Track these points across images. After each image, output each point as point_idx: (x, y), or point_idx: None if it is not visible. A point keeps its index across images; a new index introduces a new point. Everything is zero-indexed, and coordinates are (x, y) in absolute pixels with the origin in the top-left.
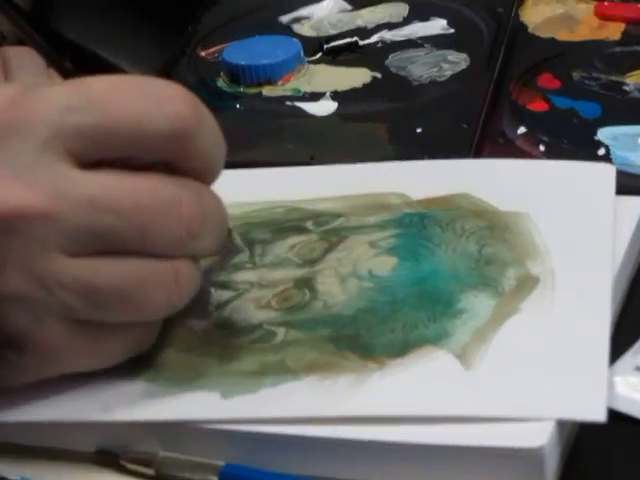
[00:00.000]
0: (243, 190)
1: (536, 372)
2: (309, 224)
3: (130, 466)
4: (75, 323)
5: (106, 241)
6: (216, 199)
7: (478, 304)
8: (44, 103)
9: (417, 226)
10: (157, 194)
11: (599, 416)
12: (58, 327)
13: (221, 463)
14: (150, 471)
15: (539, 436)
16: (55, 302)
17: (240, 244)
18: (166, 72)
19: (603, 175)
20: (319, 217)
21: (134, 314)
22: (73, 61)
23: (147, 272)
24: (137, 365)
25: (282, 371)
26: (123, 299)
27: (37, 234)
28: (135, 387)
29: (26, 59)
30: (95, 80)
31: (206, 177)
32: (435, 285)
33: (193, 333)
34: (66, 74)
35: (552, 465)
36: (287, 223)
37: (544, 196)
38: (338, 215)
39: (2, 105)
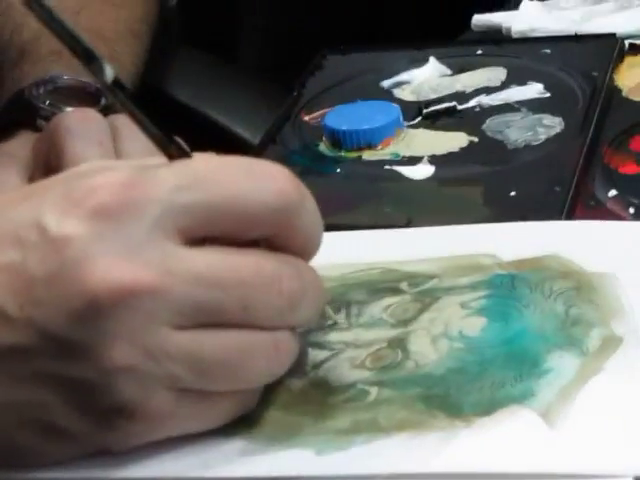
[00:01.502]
0: (341, 252)
1: (616, 430)
2: (404, 285)
3: None
4: (181, 391)
5: (210, 314)
6: (315, 274)
7: (563, 364)
8: (154, 183)
9: (507, 287)
10: (259, 270)
11: None
12: (165, 396)
13: None
14: None
15: None
16: (162, 373)
17: (332, 315)
18: (272, 136)
19: None
20: (414, 278)
21: (237, 383)
22: (184, 124)
23: (249, 343)
24: (236, 422)
25: (374, 429)
26: (226, 369)
27: (146, 308)
28: (234, 444)
29: (135, 128)
30: (201, 160)
31: (305, 253)
32: (523, 345)
33: (290, 391)
34: (173, 159)
35: None
36: (383, 284)
37: (632, 257)
38: (432, 276)
39: (115, 187)
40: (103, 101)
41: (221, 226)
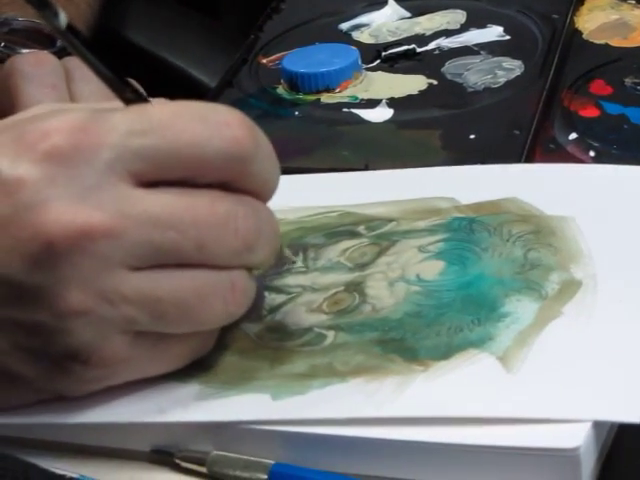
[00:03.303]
0: (298, 195)
1: (574, 375)
2: (361, 228)
3: (184, 464)
4: (137, 335)
5: (166, 255)
6: (271, 214)
7: (521, 308)
8: (107, 127)
9: (465, 230)
10: (214, 209)
11: (634, 418)
12: (121, 340)
13: (271, 462)
14: (203, 469)
15: (576, 437)
16: (118, 316)
17: (290, 256)
18: (228, 79)
19: None
20: (371, 221)
21: (193, 324)
22: (141, 67)
23: (205, 283)
24: (191, 368)
25: (330, 373)
26: (183, 309)
27: (101, 251)
28: (189, 389)
29: (89, 71)
30: (155, 105)
31: (261, 198)
32: (480, 289)
33: (246, 336)
34: (128, 103)
35: (589, 465)
36: (340, 227)
37: (591, 200)
38: (390, 219)
39: (68, 130)
40: (59, 43)
41: (175, 171)
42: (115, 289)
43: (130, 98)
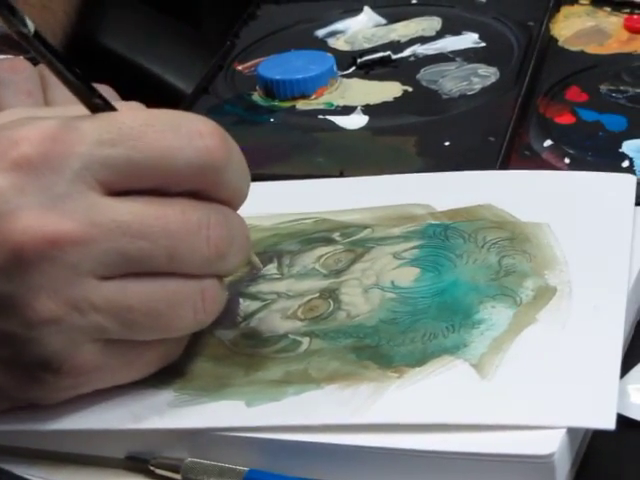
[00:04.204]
0: (274, 202)
1: (549, 381)
2: (336, 235)
3: (158, 471)
4: (107, 343)
5: (136, 263)
6: (242, 221)
7: (496, 314)
8: (77, 136)
9: (440, 237)
10: (185, 218)
11: (609, 424)
12: (91, 348)
13: (245, 469)
14: (177, 476)
15: (550, 443)
16: (88, 324)
17: (258, 263)
18: (204, 86)
19: (623, 186)
20: (346, 228)
21: (163, 331)
22: (118, 74)
23: (175, 291)
24: (166, 374)
25: (305, 380)
26: (153, 318)
27: (70, 260)
28: (164, 396)
29: None
30: (126, 114)
31: (232, 205)
32: (455, 296)
33: (221, 343)
34: (95, 110)
35: (563, 472)
36: (315, 234)
37: (565, 207)
38: (365, 226)
39: (37, 139)
40: None
41: (145, 181)
42: (84, 298)
43: (97, 105)
